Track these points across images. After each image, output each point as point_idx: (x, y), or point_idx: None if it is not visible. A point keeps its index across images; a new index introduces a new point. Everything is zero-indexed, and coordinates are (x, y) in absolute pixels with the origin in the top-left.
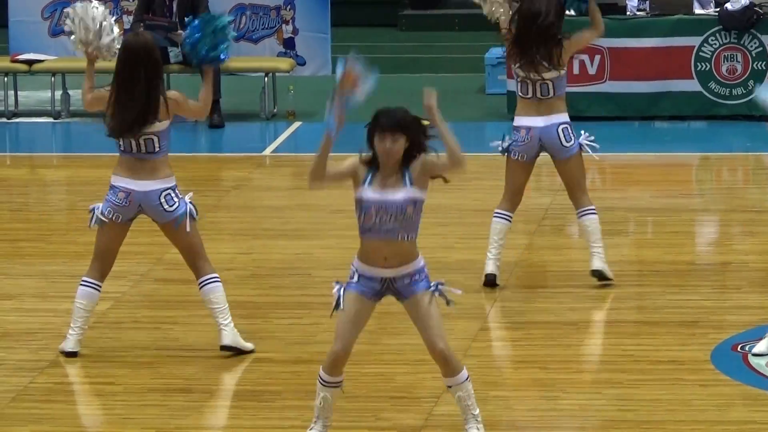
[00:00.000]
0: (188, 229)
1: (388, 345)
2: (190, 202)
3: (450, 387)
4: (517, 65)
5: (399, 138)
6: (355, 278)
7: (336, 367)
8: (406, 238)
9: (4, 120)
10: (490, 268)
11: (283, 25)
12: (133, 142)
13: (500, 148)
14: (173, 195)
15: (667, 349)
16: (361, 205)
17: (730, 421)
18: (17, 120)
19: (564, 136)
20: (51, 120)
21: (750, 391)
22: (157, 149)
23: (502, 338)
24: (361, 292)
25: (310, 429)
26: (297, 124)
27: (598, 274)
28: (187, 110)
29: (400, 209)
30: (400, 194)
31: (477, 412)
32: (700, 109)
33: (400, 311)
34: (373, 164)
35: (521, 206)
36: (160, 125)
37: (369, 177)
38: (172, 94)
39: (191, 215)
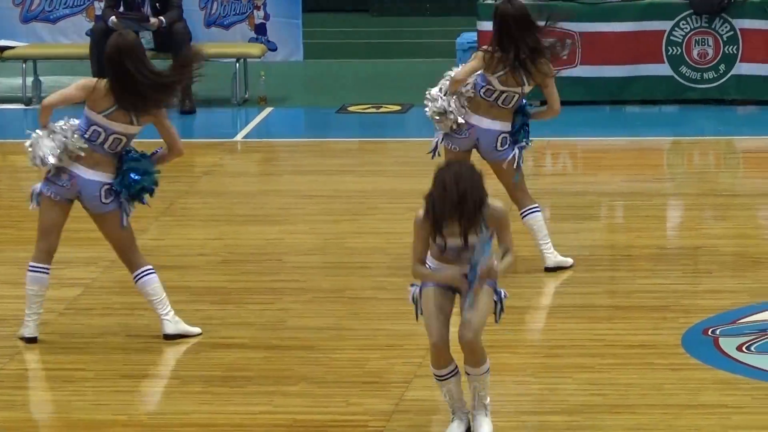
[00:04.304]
0: (124, 224)
1: (359, 331)
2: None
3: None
4: None
5: None
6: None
7: (440, 359)
8: None
9: None
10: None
11: (255, 11)
12: None
13: None
14: (112, 191)
15: (638, 333)
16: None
17: (701, 404)
18: None
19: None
20: (22, 107)
21: (721, 375)
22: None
23: None
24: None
25: (451, 421)
26: (268, 110)
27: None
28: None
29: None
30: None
31: None
32: (671, 93)
33: (372, 297)
34: None
35: None
36: None
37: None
38: None
39: (125, 210)
